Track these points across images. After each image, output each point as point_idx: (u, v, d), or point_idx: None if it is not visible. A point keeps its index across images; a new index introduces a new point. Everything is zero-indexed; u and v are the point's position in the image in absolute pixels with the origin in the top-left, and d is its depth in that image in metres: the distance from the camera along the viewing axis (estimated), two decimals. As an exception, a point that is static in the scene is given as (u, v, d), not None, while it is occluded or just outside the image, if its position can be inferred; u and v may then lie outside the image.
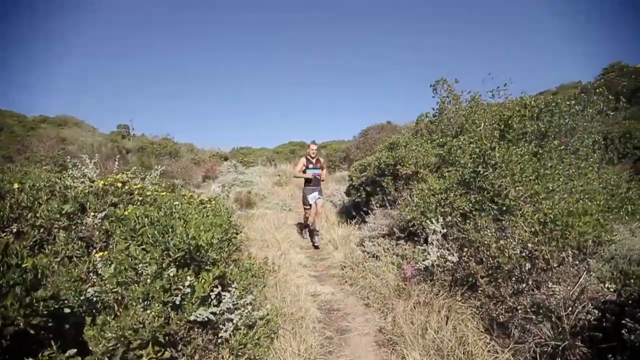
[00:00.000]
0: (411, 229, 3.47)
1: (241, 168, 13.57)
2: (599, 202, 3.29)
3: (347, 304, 3.10)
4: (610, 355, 1.77)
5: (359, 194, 6.01)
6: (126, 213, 1.80)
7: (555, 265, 2.21)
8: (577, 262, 2.24)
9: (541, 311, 2.11)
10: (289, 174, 14.20)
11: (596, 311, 2.04)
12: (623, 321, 1.80)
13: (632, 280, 1.97)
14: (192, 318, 1.50)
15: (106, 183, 3.11)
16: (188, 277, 1.50)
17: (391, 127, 19.15)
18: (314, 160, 5.34)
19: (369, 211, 5.04)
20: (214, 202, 3.70)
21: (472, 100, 8.01)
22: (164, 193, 3.51)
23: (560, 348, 1.94)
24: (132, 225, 1.65)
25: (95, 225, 2.20)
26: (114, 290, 1.49)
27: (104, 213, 2.34)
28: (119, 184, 3.17)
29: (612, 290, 1.99)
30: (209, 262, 1.75)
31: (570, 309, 2.08)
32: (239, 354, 1.73)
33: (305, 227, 5.69)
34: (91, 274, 1.67)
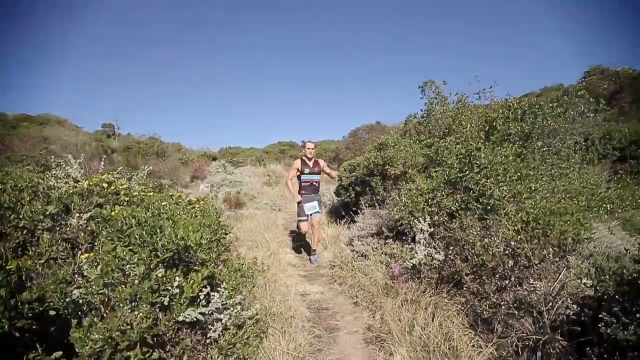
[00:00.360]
0: (399, 228, 3.52)
1: (230, 168, 13.46)
2: (579, 202, 3.42)
3: (337, 303, 3.13)
4: (588, 349, 1.85)
5: (348, 194, 6.06)
6: (113, 214, 1.77)
7: (536, 263, 2.29)
8: (557, 260, 2.33)
9: (523, 307, 2.18)
10: (278, 174, 14.17)
11: (575, 306, 2.12)
12: (600, 316, 1.88)
13: (607, 277, 2.06)
14: (180, 319, 1.50)
15: (91, 183, 3.05)
16: (177, 278, 1.49)
17: (381, 127, 19.32)
18: (311, 163, 4.40)
19: (359, 211, 5.09)
20: (202, 202, 3.67)
21: (459, 102, 8.17)
22: (152, 194, 3.46)
23: (541, 342, 2.01)
24: (119, 226, 1.63)
25: (81, 227, 2.16)
26: (101, 292, 1.48)
27: (89, 214, 2.30)
28: (105, 185, 3.12)
29: (589, 286, 2.07)
30: (198, 263, 1.75)
31: (550, 304, 2.16)
32: (228, 353, 1.73)
33: (300, 241, 5.02)
34: (76, 276, 1.64)
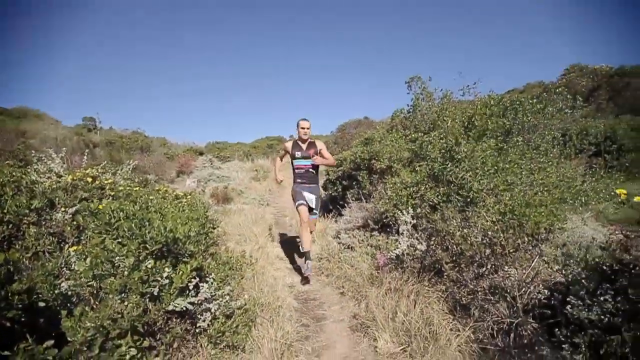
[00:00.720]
0: (384, 220, 3.63)
1: (217, 163, 13.35)
2: (553, 194, 3.59)
3: (323, 294, 3.22)
4: (557, 330, 1.99)
5: (335, 187, 6.14)
6: (100, 207, 1.78)
7: (511, 251, 2.42)
8: (530, 248, 2.47)
9: (498, 292, 2.31)
10: (266, 168, 14.13)
11: (546, 291, 2.26)
12: (568, 299, 2.02)
13: (575, 263, 2.21)
14: (170, 308, 1.54)
15: (75, 178, 3.02)
16: (166, 269, 1.53)
17: (368, 122, 19.47)
18: (304, 145, 3.70)
19: (345, 204, 5.18)
20: (189, 197, 3.68)
21: (444, 97, 8.34)
22: (137, 188, 3.44)
23: (514, 325, 2.14)
24: (107, 219, 1.64)
25: (66, 221, 2.15)
26: (89, 283, 1.50)
27: (74, 208, 2.29)
28: (89, 179, 3.09)
29: (558, 272, 2.22)
30: (186, 255, 1.78)
31: (523, 289, 2.30)
32: (217, 341, 1.79)
33: (289, 236, 4.46)
34: (64, 268, 1.66)
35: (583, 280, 2.05)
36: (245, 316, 2.01)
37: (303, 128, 3.69)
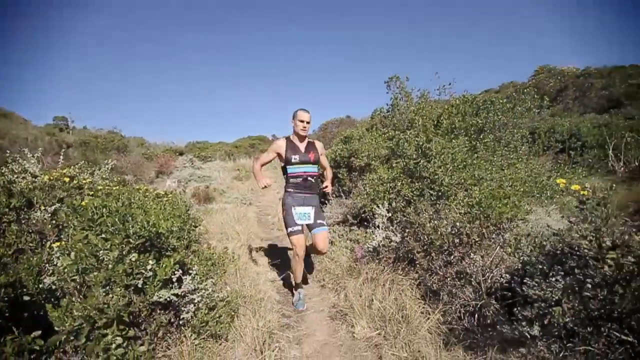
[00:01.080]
0: (363, 215, 3.79)
1: (198, 163, 13.17)
2: (517, 188, 3.86)
3: (305, 287, 3.33)
4: (515, 308, 2.19)
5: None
6: (83, 203, 1.81)
7: (476, 240, 2.63)
8: (494, 237, 2.68)
9: (465, 278, 2.50)
10: (248, 168, 14.09)
11: (507, 275, 2.48)
12: (525, 280, 2.23)
13: (532, 248, 2.44)
14: (154, 299, 1.61)
15: (52, 178, 2.99)
16: (150, 262, 1.60)
17: (350, 121, 19.72)
18: (302, 146, 2.83)
19: (326, 201, 5.31)
20: (170, 195, 3.69)
21: (422, 96, 8.64)
22: (117, 187, 3.44)
23: (479, 306, 2.34)
24: (90, 216, 1.69)
25: (45, 220, 2.16)
26: (73, 277, 1.55)
27: (53, 207, 2.30)
28: (66, 179, 3.07)
29: (516, 257, 2.43)
30: (169, 249, 1.85)
31: (487, 274, 2.50)
32: (201, 331, 1.87)
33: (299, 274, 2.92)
34: (46, 265, 1.69)
35: (538, 264, 2.28)
36: (228, 307, 2.10)
37: (302, 121, 2.77)
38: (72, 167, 3.44)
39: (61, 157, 3.72)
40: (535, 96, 8.77)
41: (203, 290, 1.96)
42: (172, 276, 1.76)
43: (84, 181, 3.15)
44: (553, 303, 1.91)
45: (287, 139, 2.85)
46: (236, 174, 12.58)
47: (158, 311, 1.73)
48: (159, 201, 2.92)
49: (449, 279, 2.56)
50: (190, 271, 1.86)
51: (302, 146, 2.84)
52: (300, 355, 2.14)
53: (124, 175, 10.28)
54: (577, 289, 1.61)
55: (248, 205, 8.17)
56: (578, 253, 2.07)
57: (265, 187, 2.85)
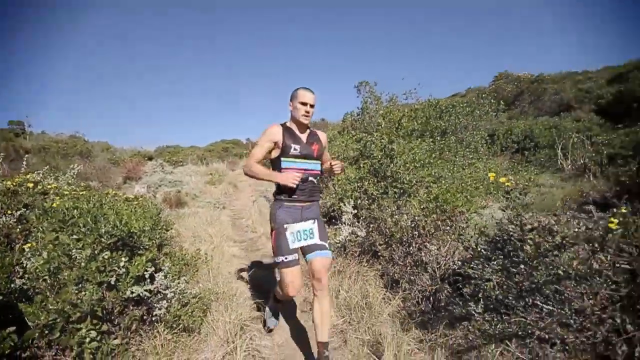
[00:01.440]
0: (332, 213, 3.98)
1: (169, 168, 12.85)
2: (470, 184, 4.22)
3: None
4: (464, 290, 2.45)
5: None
6: (54, 205, 1.85)
7: (432, 231, 2.90)
8: (447, 228, 2.96)
9: (422, 266, 2.76)
10: (221, 172, 13.93)
11: (459, 262, 2.76)
12: (472, 265, 2.50)
13: (478, 237, 2.73)
14: (127, 295, 1.68)
15: (14, 184, 2.94)
16: (122, 259, 1.68)
17: (324, 124, 20.00)
18: (303, 136, 2.14)
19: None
20: (140, 199, 3.69)
21: (390, 100, 9.05)
22: (83, 192, 3.40)
23: (434, 290, 2.59)
24: (61, 217, 1.73)
25: (11, 225, 2.16)
26: (44, 277, 1.60)
27: (19, 212, 2.29)
28: (30, 184, 3.01)
29: (465, 245, 2.71)
30: (141, 247, 1.93)
31: (442, 262, 2.77)
32: (174, 325, 1.96)
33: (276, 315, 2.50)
34: (16, 267, 1.72)
35: (482, 250, 2.56)
36: (200, 303, 2.19)
37: (305, 104, 2.02)
38: (34, 172, 3.36)
39: (24, 162, 3.61)
40: (492, 101, 9.46)
41: (176, 287, 2.05)
42: (145, 273, 1.84)
43: (49, 186, 3.10)
44: (485, 280, 2.19)
45: (284, 126, 2.09)
46: (209, 178, 12.42)
47: (131, 307, 1.80)
48: (129, 204, 2.95)
49: (408, 268, 2.80)
50: (162, 268, 1.95)
51: (303, 137, 2.10)
52: (271, 345, 2.27)
53: (89, 181, 9.86)
54: (508, 266, 1.88)
55: (222, 209, 8.14)
56: (512, 237, 2.38)
57: (297, 182, 1.92)
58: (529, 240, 1.74)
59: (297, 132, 2.12)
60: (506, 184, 1.83)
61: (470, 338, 2.00)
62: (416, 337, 2.19)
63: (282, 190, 2.06)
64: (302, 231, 2.04)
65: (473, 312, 2.11)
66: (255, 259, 4.43)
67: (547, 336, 1.74)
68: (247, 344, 2.08)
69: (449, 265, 2.73)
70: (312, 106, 2.06)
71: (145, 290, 1.81)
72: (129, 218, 1.80)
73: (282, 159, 2.04)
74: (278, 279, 2.18)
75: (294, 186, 1.93)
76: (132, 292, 1.70)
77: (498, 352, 1.87)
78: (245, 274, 3.69)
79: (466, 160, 6.54)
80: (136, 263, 1.77)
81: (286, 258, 2.00)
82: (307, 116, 2.05)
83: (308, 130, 2.18)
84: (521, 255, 1.86)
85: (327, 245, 2.11)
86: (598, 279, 1.54)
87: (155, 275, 1.96)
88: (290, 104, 2.12)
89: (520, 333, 1.85)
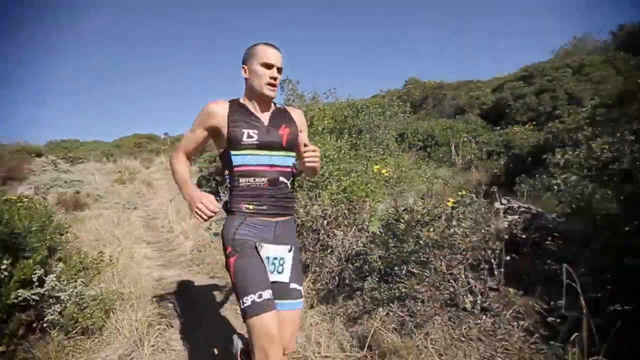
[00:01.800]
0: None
1: (64, 165, 11.13)
2: (375, 178, 4.77)
3: (194, 281, 3.44)
4: (357, 265, 2.84)
5: (209, 184, 6.25)
6: None
7: (339, 219, 3.26)
8: (352, 216, 3.36)
9: (330, 249, 3.09)
10: (133, 169, 12.62)
11: (361, 245, 3.16)
12: (372, 246, 2.91)
13: (379, 222, 3.18)
14: (12, 297, 1.56)
15: None
16: (5, 261, 1.54)
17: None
18: (264, 116, 1.41)
19: (219, 198, 5.40)
20: (26, 200, 3.24)
21: (313, 99, 9.45)
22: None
23: (339, 270, 2.94)
24: None
25: None
26: None
27: None
28: None
29: (368, 231, 3.14)
30: (27, 249, 1.77)
31: (348, 245, 3.15)
32: (70, 329, 1.86)
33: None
34: None
35: (380, 232, 3.00)
36: (102, 304, 2.10)
37: (270, 66, 1.36)
38: None
39: None
40: (400, 103, 10.64)
41: (71, 290, 1.94)
42: (33, 276, 1.71)
43: None
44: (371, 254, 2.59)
45: (232, 103, 1.42)
46: (117, 176, 11.16)
47: (16, 313, 1.66)
48: (11, 205, 2.59)
49: (318, 252, 3.10)
50: (55, 269, 1.83)
51: (264, 117, 1.42)
52: (184, 337, 2.31)
53: (-51, 183, 7.96)
54: (387, 240, 2.29)
55: (133, 209, 7.47)
56: (391, 218, 2.82)
57: (207, 218, 1.33)
58: (402, 220, 2.16)
59: (255, 110, 1.41)
60: (385, 174, 2.22)
61: (362, 305, 2.37)
62: (321, 312, 2.47)
63: (238, 197, 1.39)
64: (273, 258, 1.35)
65: (368, 286, 2.50)
66: (171, 259, 4.28)
67: (417, 295, 2.19)
68: (156, 339, 2.09)
69: (353, 248, 3.12)
70: (279, 70, 1.38)
71: (34, 294, 1.68)
72: (11, 218, 1.64)
73: (232, 152, 1.35)
74: (247, 336, 1.29)
75: (200, 220, 1.33)
76: (17, 297, 1.58)
77: (385, 313, 2.26)
78: (156, 274, 3.56)
79: (378, 156, 7.30)
80: (22, 266, 1.64)
81: (260, 296, 1.21)
82: (273, 86, 1.36)
83: (273, 107, 1.47)
84: (396, 231, 2.29)
85: (301, 291, 1.42)
86: (447, 245, 2.03)
87: (46, 278, 1.82)
88: (244, 68, 1.40)
89: (400, 296, 2.28)
